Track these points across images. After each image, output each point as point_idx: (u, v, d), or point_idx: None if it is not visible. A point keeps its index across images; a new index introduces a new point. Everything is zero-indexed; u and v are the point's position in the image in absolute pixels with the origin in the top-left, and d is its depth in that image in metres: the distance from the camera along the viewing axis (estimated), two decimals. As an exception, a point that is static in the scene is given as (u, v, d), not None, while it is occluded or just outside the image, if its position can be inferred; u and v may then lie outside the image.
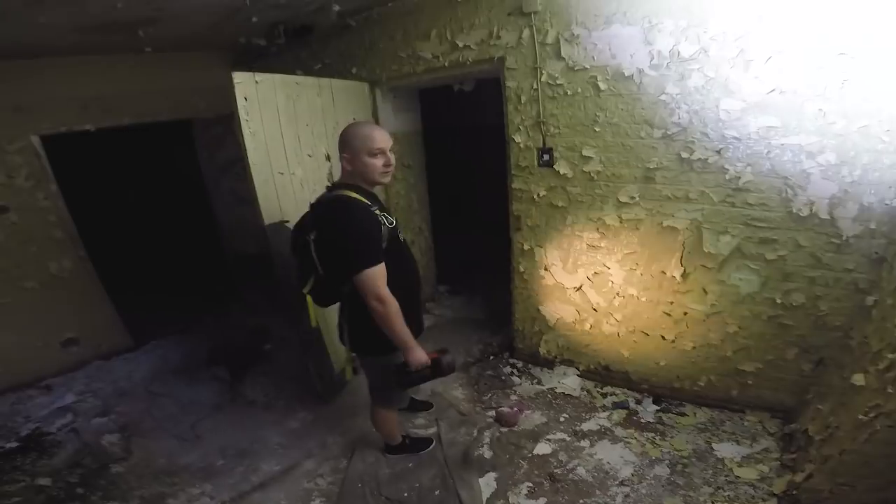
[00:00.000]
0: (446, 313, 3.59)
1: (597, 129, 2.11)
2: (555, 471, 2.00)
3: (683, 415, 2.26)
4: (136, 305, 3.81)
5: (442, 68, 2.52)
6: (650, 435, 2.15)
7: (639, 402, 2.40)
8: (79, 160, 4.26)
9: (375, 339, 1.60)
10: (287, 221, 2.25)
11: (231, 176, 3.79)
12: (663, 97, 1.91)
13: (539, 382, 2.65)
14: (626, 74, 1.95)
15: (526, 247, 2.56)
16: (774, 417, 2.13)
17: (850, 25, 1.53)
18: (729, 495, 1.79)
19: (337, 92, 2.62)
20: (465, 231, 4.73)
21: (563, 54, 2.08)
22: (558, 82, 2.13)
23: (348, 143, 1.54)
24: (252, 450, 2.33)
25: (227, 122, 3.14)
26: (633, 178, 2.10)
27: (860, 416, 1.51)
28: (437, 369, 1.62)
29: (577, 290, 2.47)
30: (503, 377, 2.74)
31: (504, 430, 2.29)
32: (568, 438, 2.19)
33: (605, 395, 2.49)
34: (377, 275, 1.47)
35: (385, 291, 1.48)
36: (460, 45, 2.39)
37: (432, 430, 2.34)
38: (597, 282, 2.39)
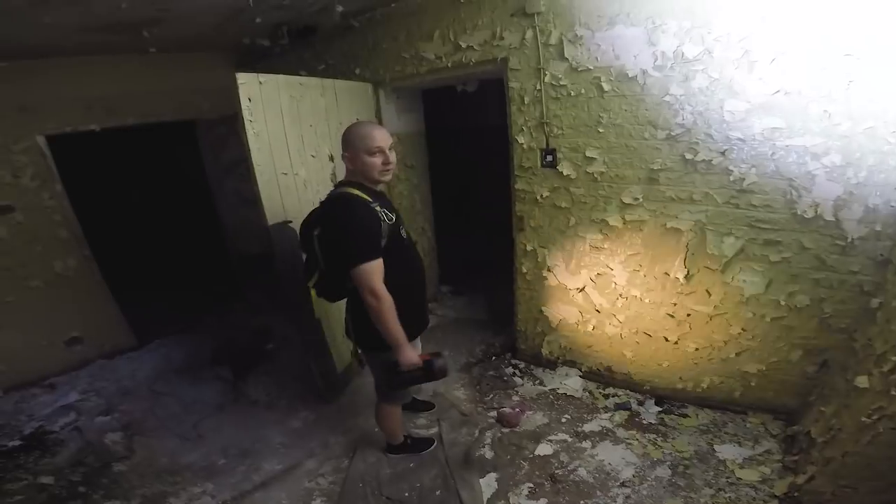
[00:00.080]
0: (449, 313, 3.57)
1: (600, 130, 2.09)
2: (556, 472, 1.99)
3: (685, 416, 2.24)
4: (140, 305, 3.80)
5: (445, 69, 2.51)
6: (652, 436, 2.13)
7: (641, 403, 2.37)
8: (84, 160, 4.25)
9: (376, 335, 1.61)
10: (290, 222, 2.23)
11: (235, 176, 3.79)
12: (667, 98, 1.88)
13: (541, 383, 2.63)
14: (630, 75, 1.93)
15: (529, 248, 2.54)
16: (777, 419, 2.10)
17: (855, 26, 1.50)
18: (730, 497, 1.77)
19: (340, 92, 2.61)
20: (468, 232, 4.72)
21: (566, 55, 2.06)
22: (562, 83, 2.11)
23: (349, 143, 1.57)
24: (254, 449, 2.32)
25: (231, 123, 3.13)
26: (636, 179, 2.08)
27: (863, 419, 1.49)
28: (428, 372, 1.61)
29: (580, 291, 2.45)
30: (505, 378, 2.72)
31: (505, 430, 2.27)
32: (569, 439, 2.17)
33: (607, 397, 2.47)
34: (373, 269, 1.48)
35: (380, 286, 1.49)
36: (463, 45, 2.37)
37: (434, 431, 2.33)
38: (600, 283, 2.37)
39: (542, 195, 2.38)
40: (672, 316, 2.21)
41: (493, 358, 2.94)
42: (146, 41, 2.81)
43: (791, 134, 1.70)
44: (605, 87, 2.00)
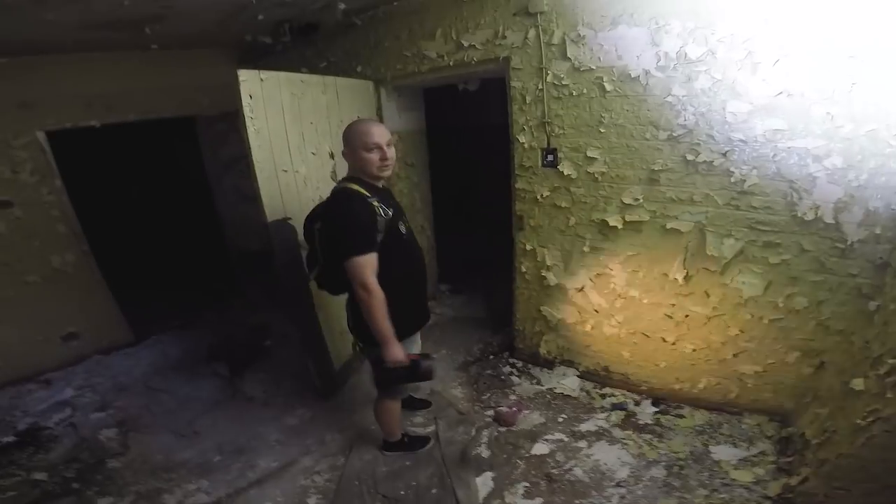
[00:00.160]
0: (447, 312, 3.54)
1: (602, 130, 2.06)
2: (552, 471, 1.96)
3: (682, 417, 2.22)
4: (137, 301, 3.74)
5: (447, 67, 2.47)
6: (648, 437, 2.11)
7: (637, 403, 2.35)
8: (83, 156, 4.18)
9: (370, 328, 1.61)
10: (290, 219, 2.20)
11: (234, 173, 3.74)
12: (669, 99, 1.86)
13: (538, 382, 2.60)
14: (633, 76, 1.90)
15: (528, 247, 2.50)
16: (772, 421, 2.08)
17: (859, 28, 1.48)
18: (724, 498, 1.75)
19: (342, 90, 2.57)
20: (469, 230, 4.68)
21: (568, 55, 2.03)
22: (564, 83, 2.08)
23: (348, 140, 1.60)
24: (250, 446, 2.27)
25: (231, 120, 3.08)
26: (637, 179, 2.05)
27: (858, 421, 1.48)
28: (413, 372, 1.59)
29: (579, 291, 2.42)
30: (503, 377, 2.69)
31: (502, 429, 2.25)
32: (566, 439, 2.15)
33: (603, 397, 2.44)
34: (365, 263, 1.50)
35: (371, 280, 1.50)
36: (465, 44, 2.34)
37: (431, 429, 2.29)
38: (598, 283, 2.34)
39: (542, 195, 2.35)
40: (670, 317, 2.19)
41: (491, 357, 2.91)
42: (148, 38, 2.78)
43: (793, 136, 1.68)
44: (608, 87, 1.97)
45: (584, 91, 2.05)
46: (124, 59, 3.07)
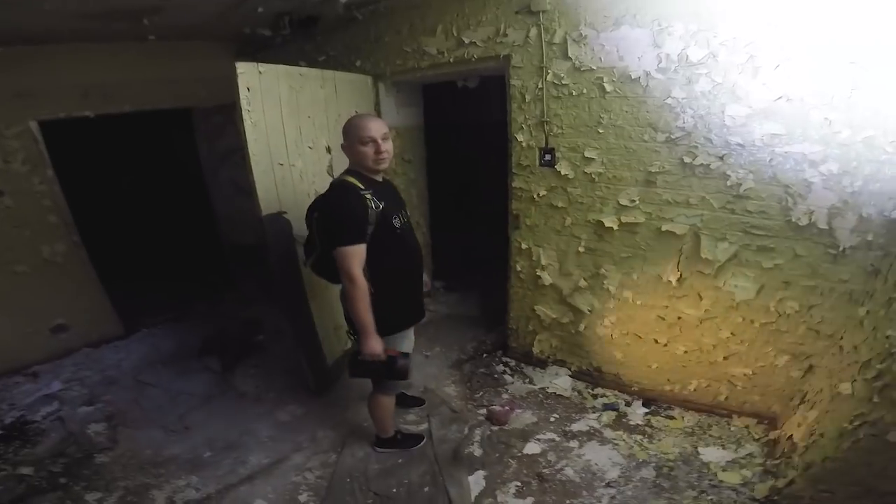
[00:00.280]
0: (441, 309, 3.49)
1: (600, 131, 2.03)
2: (543, 470, 1.94)
3: (672, 418, 2.21)
4: (128, 292, 3.66)
5: (447, 64, 2.43)
6: (638, 437, 2.10)
7: (628, 404, 2.34)
8: (76, 146, 4.08)
9: (376, 319, 1.59)
10: (285, 213, 2.15)
11: (230, 165, 3.66)
12: (669, 101, 1.83)
13: (531, 382, 2.58)
14: (633, 77, 1.87)
15: (524, 246, 2.47)
16: (760, 423, 2.08)
17: (861, 33, 1.46)
18: (712, 499, 1.74)
19: (340, 84, 2.52)
20: (464, 228, 4.63)
21: (569, 54, 1.99)
22: (564, 82, 2.05)
23: (346, 133, 1.63)
24: (241, 442, 2.22)
25: (228, 112, 3.02)
26: (634, 181, 2.03)
27: (845, 425, 1.47)
28: (388, 368, 1.59)
29: (573, 291, 2.39)
30: (496, 375, 2.66)
31: (495, 428, 2.22)
32: (557, 438, 2.13)
33: (595, 397, 2.42)
34: (351, 253, 1.51)
35: (356, 271, 1.51)
36: (466, 41, 2.30)
37: (423, 427, 2.26)
38: (592, 284, 2.32)
39: (538, 194, 2.31)
40: (663, 318, 2.17)
41: (485, 355, 2.88)
42: (146, 29, 2.71)
43: (790, 140, 1.66)
44: (608, 87, 1.94)
45: (584, 91, 2.02)
46: (121, 50, 3.01)
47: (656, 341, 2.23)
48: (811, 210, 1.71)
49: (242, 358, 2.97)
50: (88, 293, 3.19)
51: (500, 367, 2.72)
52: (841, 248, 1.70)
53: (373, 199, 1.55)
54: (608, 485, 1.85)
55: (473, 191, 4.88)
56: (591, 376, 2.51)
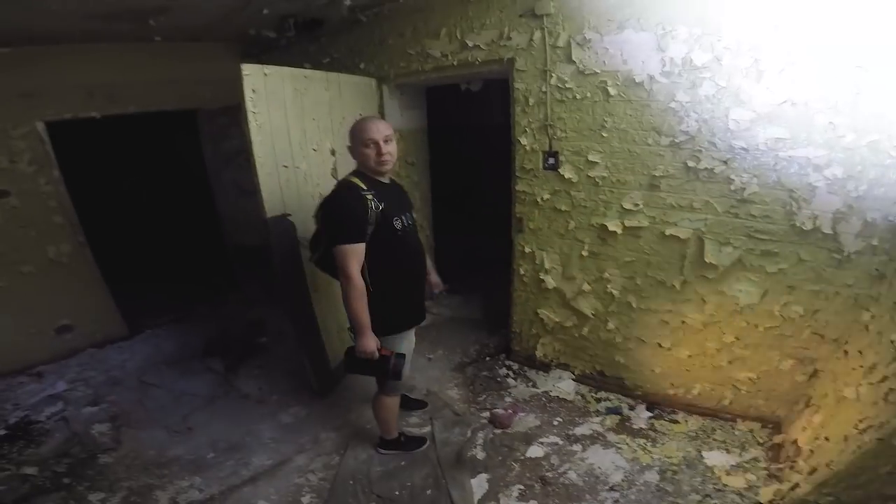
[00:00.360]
0: (444, 312, 3.50)
1: (604, 135, 2.03)
2: (546, 474, 1.94)
3: (675, 422, 2.21)
4: (133, 294, 3.67)
5: (450, 67, 2.44)
6: (642, 441, 2.09)
7: (632, 408, 2.33)
8: (82, 147, 4.10)
9: (373, 318, 1.62)
10: (289, 215, 2.16)
11: (234, 167, 3.67)
12: (673, 105, 1.83)
13: (534, 385, 2.57)
14: (637, 80, 1.88)
15: (527, 249, 2.47)
16: (765, 427, 2.07)
17: (867, 37, 1.46)
18: (716, 503, 1.74)
19: (344, 87, 2.53)
20: (466, 230, 4.63)
21: (573, 58, 2.00)
22: (567, 86, 2.06)
23: (351, 136, 1.66)
24: (244, 443, 2.23)
25: (233, 114, 3.03)
26: (637, 185, 2.03)
27: (850, 429, 1.47)
28: (381, 366, 1.61)
29: (576, 295, 2.39)
30: (499, 379, 2.66)
31: (498, 431, 2.22)
32: (560, 442, 2.13)
33: (598, 400, 2.42)
34: (349, 252, 1.54)
35: (352, 269, 1.54)
36: (470, 44, 2.30)
37: (426, 430, 2.26)
38: (596, 288, 2.32)
39: (542, 197, 2.32)
40: (666, 323, 2.17)
41: (487, 358, 2.88)
42: (152, 30, 2.73)
43: (795, 145, 1.66)
44: (612, 91, 1.95)
45: (588, 95, 2.02)
46: (127, 51, 3.03)
47: (660, 345, 2.22)
48: (815, 214, 1.71)
49: (245, 359, 2.98)
50: (93, 294, 3.21)
51: (504, 371, 2.72)
52: (846, 253, 1.70)
53: (373, 200, 1.57)
54: (611, 489, 1.85)
55: (476, 193, 4.89)
56: (595, 380, 2.50)
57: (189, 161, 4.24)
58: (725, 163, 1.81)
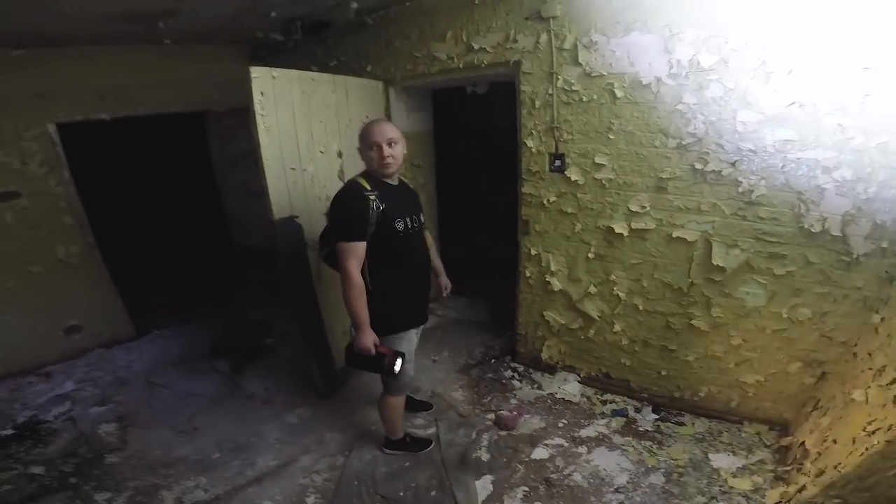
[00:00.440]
0: (449, 314, 3.48)
1: (611, 137, 2.02)
2: (551, 476, 1.92)
3: (682, 424, 2.18)
4: (140, 295, 3.68)
5: (456, 70, 2.43)
6: (648, 443, 2.07)
7: (638, 410, 2.31)
8: (91, 148, 4.12)
9: (372, 317, 1.63)
10: (296, 217, 2.15)
11: (241, 169, 3.68)
12: (680, 107, 1.82)
13: (539, 387, 2.55)
14: (644, 83, 1.87)
15: (533, 252, 2.46)
16: (772, 430, 2.05)
17: (876, 39, 1.45)
18: (722, 505, 1.71)
19: (351, 89, 2.53)
20: (472, 232, 4.61)
21: (580, 60, 1.99)
22: (574, 88, 2.05)
23: (359, 138, 1.69)
24: (249, 444, 2.22)
25: (241, 116, 3.05)
26: (644, 187, 2.01)
27: (859, 431, 1.45)
28: (376, 364, 1.63)
29: (583, 297, 2.37)
30: (504, 380, 2.64)
31: (503, 433, 2.20)
32: (566, 444, 2.11)
33: (604, 403, 2.40)
34: (348, 249, 1.57)
35: (350, 267, 1.56)
36: (476, 47, 2.30)
37: (431, 431, 2.25)
38: (602, 290, 2.30)
39: (548, 200, 2.30)
40: (673, 325, 2.15)
41: (493, 360, 2.86)
42: (161, 32, 2.74)
43: (803, 147, 1.65)
44: (618, 93, 1.94)
45: (595, 97, 2.01)
46: (137, 53, 3.04)
47: (666, 348, 2.20)
48: (824, 217, 1.69)
49: (251, 360, 2.97)
50: (102, 294, 3.21)
51: (509, 373, 2.70)
52: (855, 256, 1.68)
53: (375, 200, 1.58)
54: (616, 490, 1.83)
55: (481, 195, 4.87)
56: (601, 382, 2.48)
57: (196, 163, 4.25)
58: (733, 165, 1.79)
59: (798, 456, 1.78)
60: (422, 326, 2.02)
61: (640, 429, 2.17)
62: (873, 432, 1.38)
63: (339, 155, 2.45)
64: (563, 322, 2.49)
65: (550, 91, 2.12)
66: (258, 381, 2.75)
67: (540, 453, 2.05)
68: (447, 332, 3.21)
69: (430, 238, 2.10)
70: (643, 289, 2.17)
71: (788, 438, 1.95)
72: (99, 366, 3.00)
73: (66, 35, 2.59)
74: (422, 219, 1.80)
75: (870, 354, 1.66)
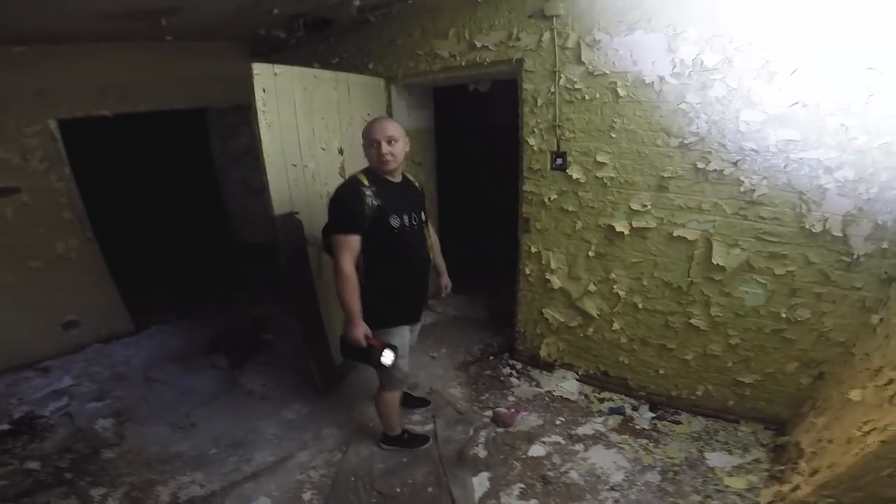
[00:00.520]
0: (448, 311, 3.43)
1: (613, 136, 1.99)
2: (547, 473, 1.89)
3: (678, 423, 2.16)
4: (138, 289, 3.61)
5: (458, 67, 2.39)
6: (644, 441, 2.04)
7: (635, 408, 2.28)
8: (91, 144, 4.05)
9: (365, 310, 1.63)
10: (297, 213, 2.11)
11: (242, 165, 3.63)
12: (683, 106, 1.79)
13: (537, 385, 2.52)
14: (647, 81, 1.83)
15: (533, 249, 2.42)
16: (768, 429, 2.03)
17: (880, 39, 1.42)
18: (716, 504, 1.68)
19: (353, 86, 2.48)
20: (472, 230, 4.57)
21: (583, 59, 1.95)
22: (576, 86, 2.01)
23: (362, 135, 1.67)
24: (246, 440, 2.17)
25: (242, 113, 3.00)
26: (646, 185, 1.98)
27: (854, 431, 1.42)
28: (365, 356, 1.63)
29: (582, 295, 2.34)
30: (502, 378, 2.60)
31: (500, 430, 2.17)
32: (562, 441, 2.08)
33: (602, 401, 2.36)
34: (340, 242, 1.58)
35: (342, 259, 1.57)
36: (478, 45, 2.26)
37: (429, 427, 2.21)
38: (602, 288, 2.27)
39: (549, 198, 2.26)
40: (672, 324, 2.12)
41: (491, 357, 2.82)
42: (163, 29, 2.68)
43: (806, 147, 1.62)
44: (621, 92, 1.90)
45: (597, 95, 1.97)
46: (139, 50, 2.99)
47: (665, 346, 2.17)
48: (825, 217, 1.66)
49: (250, 356, 2.92)
50: (101, 290, 3.15)
51: (507, 370, 2.66)
52: (855, 256, 1.65)
53: (371, 196, 1.58)
54: (612, 488, 1.81)
55: (482, 194, 4.83)
56: (599, 380, 2.45)
57: (198, 159, 4.19)
58: (735, 164, 1.76)
59: (793, 455, 1.76)
60: (419, 324, 1.99)
61: (637, 427, 2.14)
62: (868, 433, 1.35)
63: (341, 152, 2.40)
64: (562, 320, 2.46)
65: (553, 89, 2.08)
66: (256, 378, 2.70)
67: (537, 450, 2.02)
68: (446, 329, 3.17)
69: (434, 237, 2.06)
70: (643, 287, 2.14)
71: (784, 438, 1.93)
72: (97, 361, 2.94)
73: (68, 32, 2.53)
74: (423, 217, 1.77)
75: (867, 355, 1.64)
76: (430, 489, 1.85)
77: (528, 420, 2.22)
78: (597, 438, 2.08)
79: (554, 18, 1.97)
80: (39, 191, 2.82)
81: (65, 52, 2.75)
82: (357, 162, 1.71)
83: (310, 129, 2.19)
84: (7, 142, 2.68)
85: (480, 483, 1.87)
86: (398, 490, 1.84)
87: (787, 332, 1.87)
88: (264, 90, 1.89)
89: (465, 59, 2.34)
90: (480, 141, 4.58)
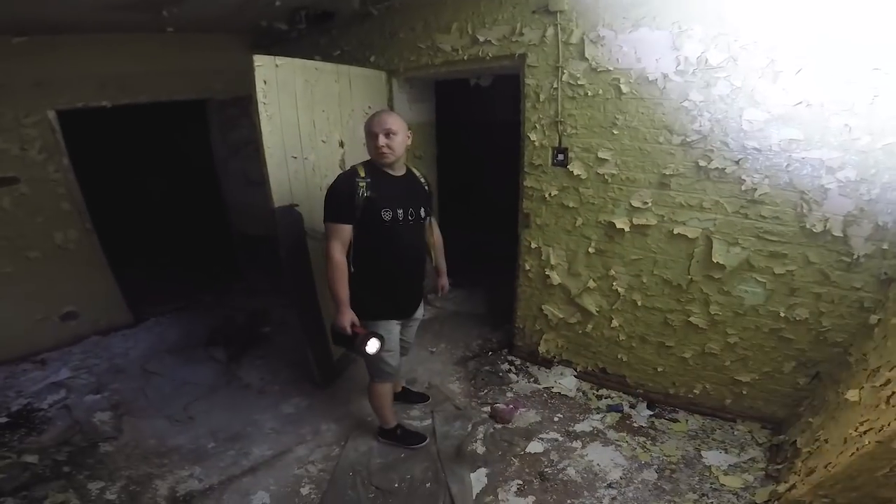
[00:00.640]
0: (447, 306, 3.42)
1: (615, 132, 1.97)
2: (545, 470, 1.89)
3: (676, 421, 2.16)
4: (137, 281, 3.59)
5: (461, 62, 2.37)
6: (641, 439, 2.04)
7: (633, 406, 2.28)
8: (90, 134, 4.01)
9: (353, 299, 1.64)
10: (296, 205, 2.09)
11: (242, 157, 3.60)
12: (686, 104, 1.77)
13: (536, 381, 2.51)
14: (650, 79, 1.81)
15: (533, 245, 2.40)
16: (765, 428, 2.03)
17: (886, 40, 1.40)
18: (712, 502, 1.70)
19: (354, 79, 2.45)
20: (471, 225, 4.54)
21: (586, 55, 1.93)
22: (579, 82, 1.99)
23: (364, 127, 1.67)
24: (244, 433, 2.16)
25: (243, 104, 2.97)
26: (647, 183, 1.97)
27: (850, 431, 1.42)
28: (350, 343, 1.63)
29: (581, 291, 2.33)
30: (500, 374, 2.60)
31: (498, 426, 2.17)
32: (560, 438, 2.08)
33: (600, 398, 2.36)
34: (331, 230, 1.61)
35: (331, 247, 1.60)
36: (481, 39, 2.23)
37: (427, 423, 2.20)
38: (601, 285, 2.26)
39: (550, 194, 2.25)
40: (670, 322, 2.11)
41: (490, 353, 2.82)
42: (165, 20, 2.65)
43: (808, 146, 1.60)
44: (624, 88, 1.88)
45: (600, 92, 1.96)
46: (140, 41, 2.95)
47: (663, 344, 2.17)
48: (826, 217, 1.66)
49: (248, 349, 2.90)
50: (99, 281, 3.12)
51: (506, 366, 2.66)
52: (855, 256, 1.65)
53: (364, 187, 1.58)
54: (609, 485, 1.81)
55: (482, 189, 4.80)
56: (597, 377, 2.44)
57: (197, 151, 4.15)
58: (737, 163, 1.75)
59: (789, 455, 1.76)
60: (416, 321, 1.98)
61: (635, 425, 2.14)
62: (864, 433, 1.35)
63: (341, 144, 2.38)
64: (561, 316, 2.45)
65: (555, 85, 2.06)
66: (254, 371, 2.68)
67: (535, 447, 2.02)
68: (445, 324, 3.16)
69: (437, 236, 2.04)
70: (642, 285, 2.13)
71: (780, 437, 1.93)
72: (95, 353, 2.91)
73: (69, 23, 2.50)
74: (422, 213, 1.74)
75: (865, 355, 1.64)
76: (428, 485, 1.84)
77: (527, 416, 2.22)
78: (594, 435, 2.08)
79: (558, 14, 1.95)
80: (38, 181, 2.79)
81: (65, 42, 2.71)
82: (358, 154, 1.69)
83: (310, 121, 2.17)
84: (5, 132, 2.64)
85: (478, 479, 1.86)
86: (396, 485, 1.84)
87: (786, 332, 1.87)
88: (265, 82, 1.87)
89: (467, 53, 2.32)
90: (481, 136, 4.54)
